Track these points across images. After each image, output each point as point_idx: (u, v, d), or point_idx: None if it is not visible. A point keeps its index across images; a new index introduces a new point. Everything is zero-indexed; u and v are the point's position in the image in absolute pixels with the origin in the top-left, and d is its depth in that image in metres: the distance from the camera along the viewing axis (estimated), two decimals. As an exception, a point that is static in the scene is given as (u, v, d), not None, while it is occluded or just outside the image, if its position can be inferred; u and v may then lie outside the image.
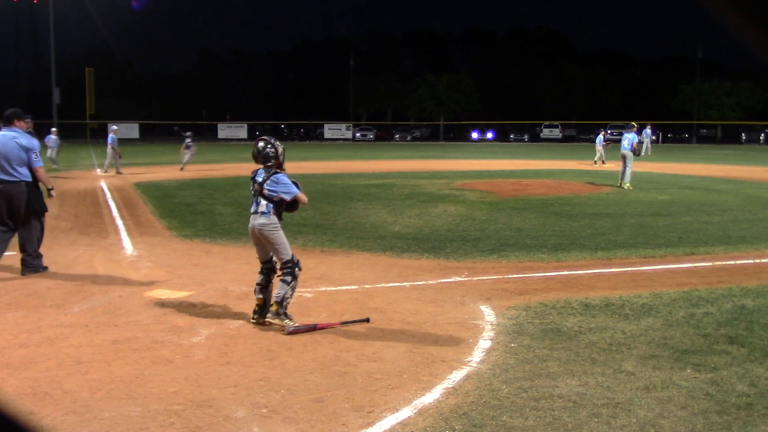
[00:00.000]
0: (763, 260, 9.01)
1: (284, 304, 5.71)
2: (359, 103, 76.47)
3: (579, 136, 65.48)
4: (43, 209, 8.24)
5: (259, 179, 5.88)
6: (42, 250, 8.23)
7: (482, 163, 30.06)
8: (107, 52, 75.57)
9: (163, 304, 6.53)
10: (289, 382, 4.54)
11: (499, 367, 4.83)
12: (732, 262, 8.77)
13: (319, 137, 68.22)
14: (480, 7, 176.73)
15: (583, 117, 69.89)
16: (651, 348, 5.26)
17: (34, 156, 7.97)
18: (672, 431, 3.83)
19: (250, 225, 5.91)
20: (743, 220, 12.49)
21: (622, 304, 6.51)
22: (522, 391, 4.36)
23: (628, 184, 18.15)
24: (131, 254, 9.27)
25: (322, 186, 18.20)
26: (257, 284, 5.98)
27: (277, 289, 5.79)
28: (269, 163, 5.91)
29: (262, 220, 5.78)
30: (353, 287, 7.28)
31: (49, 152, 23.76)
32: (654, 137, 37.04)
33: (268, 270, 6.02)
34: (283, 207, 5.91)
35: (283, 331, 5.54)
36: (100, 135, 23.98)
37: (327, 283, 7.43)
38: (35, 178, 8.04)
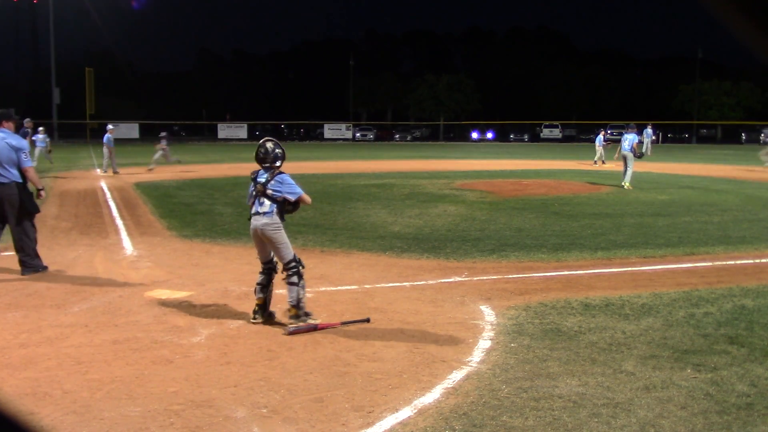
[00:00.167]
0: (763, 260, 9.01)
1: (301, 305, 5.69)
2: (359, 103, 76.46)
3: (579, 136, 65.46)
4: (35, 210, 8.16)
5: (262, 180, 5.85)
6: (42, 250, 8.23)
7: (482, 163, 30.06)
8: (107, 52, 75.53)
9: (163, 304, 6.53)
10: (289, 382, 4.54)
11: (499, 367, 4.83)
12: (732, 262, 8.77)
13: (319, 137, 68.20)
14: (480, 8, 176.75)
15: (583, 117, 69.88)
16: (651, 348, 5.26)
17: (23, 156, 7.93)
18: (672, 431, 3.83)
19: (252, 226, 5.88)
20: (743, 220, 12.49)
21: (622, 304, 6.51)
22: (522, 391, 4.36)
23: (627, 184, 18.16)
24: (131, 254, 9.26)
25: (322, 186, 18.20)
26: (258, 284, 5.98)
27: (289, 294, 5.73)
28: (276, 164, 5.89)
29: (265, 220, 5.77)
30: (353, 287, 7.28)
31: (37, 152, 23.58)
32: (654, 137, 37.03)
33: (269, 270, 6.01)
34: (285, 207, 5.90)
35: (284, 331, 5.53)
36: (100, 135, 23.84)
37: (327, 283, 7.43)
38: (25, 179, 7.98)
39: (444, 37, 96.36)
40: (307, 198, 6.00)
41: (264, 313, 5.96)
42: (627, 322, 5.93)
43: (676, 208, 14.29)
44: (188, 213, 13.26)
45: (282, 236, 5.82)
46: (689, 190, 18.06)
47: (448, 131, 72.00)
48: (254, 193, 5.88)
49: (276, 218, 5.79)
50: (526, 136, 66.57)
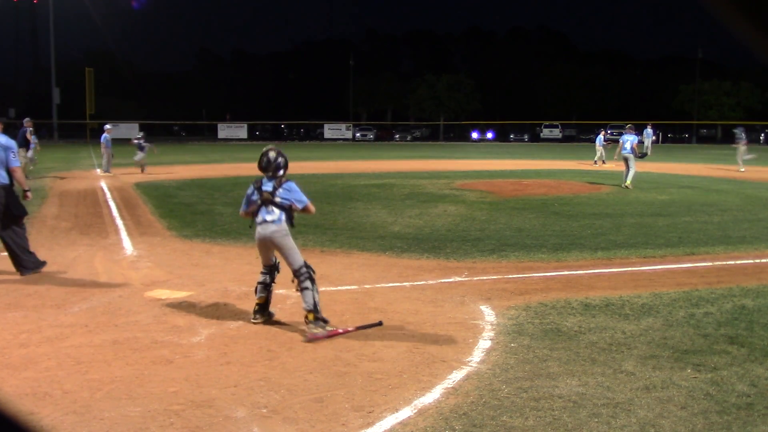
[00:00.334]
0: (763, 260, 9.01)
1: (318, 309, 5.64)
2: (359, 103, 76.44)
3: (579, 136, 65.44)
4: (22, 213, 7.97)
5: (269, 188, 5.82)
6: (42, 250, 8.24)
7: (482, 163, 30.06)
8: (107, 52, 75.57)
9: (163, 304, 6.53)
10: (289, 382, 4.54)
11: (499, 367, 4.83)
12: (732, 262, 8.77)
13: (319, 137, 68.19)
14: (480, 8, 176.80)
15: (583, 117, 69.85)
16: (651, 348, 5.26)
17: (12, 155, 7.79)
18: (672, 431, 3.83)
19: (259, 234, 5.80)
20: (743, 220, 12.49)
21: (622, 304, 6.51)
22: (522, 391, 4.36)
23: (628, 182, 18.16)
24: (131, 254, 9.26)
25: (322, 186, 18.19)
26: (259, 283, 5.97)
27: (304, 299, 5.67)
28: (279, 173, 5.88)
29: (273, 227, 5.74)
30: (353, 287, 7.28)
31: (31, 153, 23.19)
32: (654, 137, 37.04)
33: (270, 269, 6.02)
34: (293, 215, 5.89)
35: (304, 338, 5.43)
36: (100, 135, 23.70)
37: (327, 283, 7.42)
38: (11, 181, 7.82)
39: (444, 37, 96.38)
40: (312, 207, 6.01)
41: (264, 312, 5.96)
42: (627, 322, 5.93)
43: (676, 208, 14.29)
44: (188, 213, 13.26)
45: (291, 242, 5.81)
46: (689, 190, 18.06)
47: (448, 131, 71.98)
48: (258, 201, 5.82)
49: (284, 225, 5.79)
50: (526, 136, 66.54)
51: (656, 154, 34.93)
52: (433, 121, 72.06)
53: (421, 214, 13.09)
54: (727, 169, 25.79)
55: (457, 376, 4.67)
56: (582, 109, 73.06)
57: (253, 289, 6.04)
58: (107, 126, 23.83)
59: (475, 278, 7.70)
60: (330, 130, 68.32)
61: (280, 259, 5.99)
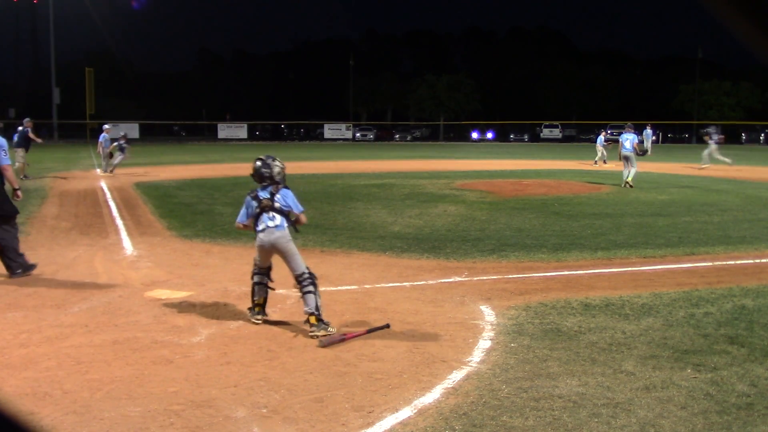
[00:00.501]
0: (763, 260, 9.01)
1: (320, 313, 5.65)
2: (359, 103, 76.42)
3: (579, 136, 65.42)
4: (13, 212, 7.85)
5: (266, 195, 5.85)
6: (42, 250, 8.24)
7: (482, 163, 30.06)
8: (107, 52, 75.50)
9: (163, 304, 6.53)
10: (289, 382, 4.54)
11: (499, 367, 4.83)
12: (732, 262, 8.77)
13: (319, 137, 68.18)
14: (480, 7, 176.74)
15: (583, 117, 69.84)
16: (651, 348, 5.26)
17: (3, 153, 7.72)
18: (672, 431, 3.83)
19: (262, 241, 5.81)
20: (743, 220, 12.49)
21: (622, 304, 6.51)
22: (522, 391, 4.36)
23: (629, 179, 18.17)
24: (131, 254, 9.26)
25: (322, 186, 18.19)
26: (256, 284, 5.98)
27: (306, 303, 5.68)
28: (264, 182, 5.94)
29: (278, 233, 5.77)
30: (353, 287, 7.28)
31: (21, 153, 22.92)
32: (654, 137, 37.05)
33: (267, 270, 6.03)
34: (292, 220, 5.92)
35: (318, 343, 5.36)
36: (99, 135, 23.61)
37: (327, 283, 7.42)
38: (2, 180, 7.75)
39: (444, 37, 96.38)
40: (304, 218, 6.04)
41: (264, 312, 5.97)
42: (627, 322, 5.93)
43: (676, 208, 14.29)
44: (188, 213, 13.26)
45: (293, 247, 5.86)
46: (689, 190, 18.06)
47: (448, 131, 71.96)
48: (257, 210, 5.84)
49: (287, 231, 5.84)
50: (526, 136, 66.51)
51: (656, 154, 34.92)
52: (433, 121, 72.05)
53: (421, 214, 13.09)
54: (690, 167, 26.05)
55: (457, 376, 4.68)
56: (582, 109, 73.04)
57: (250, 289, 6.04)
58: (106, 126, 23.79)
59: (475, 278, 7.70)
60: (330, 130, 68.31)
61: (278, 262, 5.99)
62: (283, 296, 6.67)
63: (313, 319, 5.62)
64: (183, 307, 6.42)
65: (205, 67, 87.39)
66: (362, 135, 67.02)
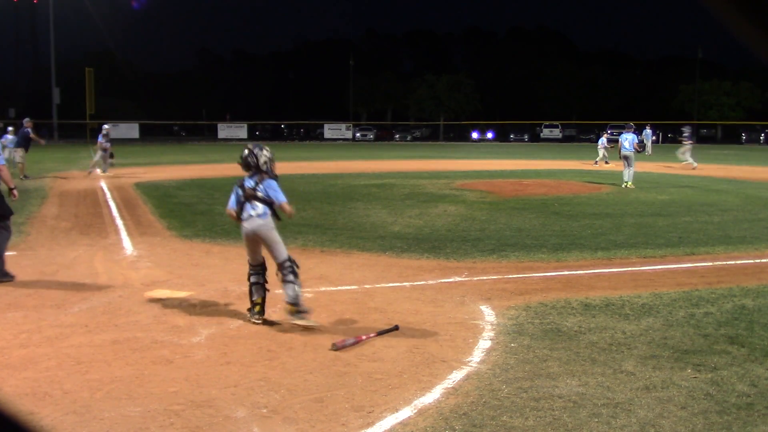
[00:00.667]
0: (763, 260, 9.01)
1: (299, 302, 5.80)
2: (359, 103, 76.42)
3: (579, 136, 65.44)
4: (8, 213, 7.74)
5: (250, 184, 5.99)
6: (42, 250, 8.23)
7: (482, 163, 30.06)
8: (107, 52, 75.51)
9: (163, 304, 6.53)
10: (289, 382, 4.54)
11: (499, 367, 4.83)
12: (732, 262, 8.77)
13: (319, 137, 68.17)
14: (480, 7, 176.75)
15: (583, 117, 69.84)
16: (651, 348, 5.26)
17: None
18: (672, 431, 3.83)
19: (245, 229, 5.96)
20: (743, 220, 12.49)
21: (622, 304, 6.51)
22: (522, 391, 4.36)
23: (630, 183, 18.21)
24: (131, 254, 9.26)
25: (322, 186, 18.19)
26: (253, 284, 6.02)
27: (286, 292, 5.81)
28: (250, 170, 6.06)
29: (260, 221, 5.88)
30: (353, 287, 7.28)
31: (7, 153, 22.48)
32: (654, 137, 37.06)
33: (261, 268, 6.08)
34: (275, 209, 6.01)
35: (331, 347, 5.26)
36: (98, 135, 23.52)
37: (327, 283, 7.43)
38: None
39: (444, 37, 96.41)
40: (288, 208, 6.04)
41: (263, 311, 5.98)
42: (627, 322, 5.93)
43: (676, 208, 14.29)
44: (188, 213, 13.26)
45: (276, 235, 5.94)
46: (689, 190, 18.06)
47: (448, 131, 71.94)
48: (242, 199, 5.98)
49: (270, 219, 5.92)
50: (526, 136, 66.48)
51: (656, 154, 34.92)
52: (433, 121, 72.04)
53: (421, 214, 13.09)
54: (670, 166, 26.33)
55: (457, 376, 4.68)
56: (582, 109, 73.04)
57: (248, 290, 6.05)
58: (105, 126, 23.78)
59: (475, 278, 7.70)
60: (330, 130, 68.31)
61: (265, 254, 6.06)
62: (284, 296, 6.67)
63: (292, 309, 5.77)
64: (183, 307, 6.42)
65: (205, 67, 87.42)
66: (362, 135, 67.01)
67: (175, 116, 69.79)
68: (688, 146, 27.41)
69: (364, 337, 5.46)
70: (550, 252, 9.22)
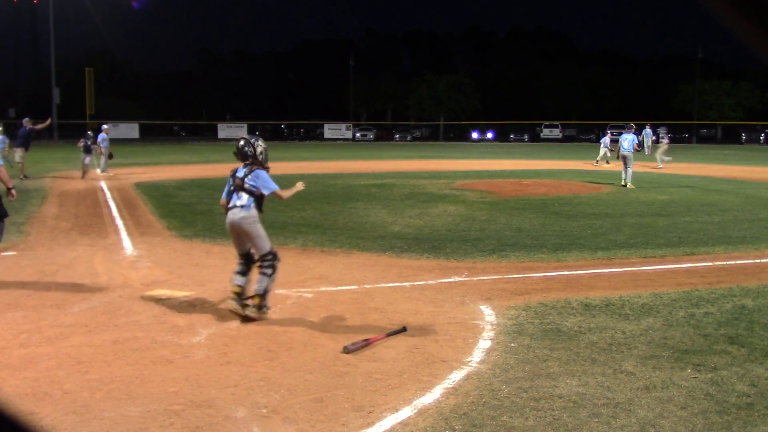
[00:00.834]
0: (763, 260, 9.01)
1: (267, 296, 5.88)
2: (359, 103, 76.42)
3: (579, 136, 65.44)
4: (3, 214, 7.68)
5: (240, 174, 6.11)
6: (42, 250, 8.22)
7: (482, 163, 30.06)
8: (107, 52, 75.52)
9: (163, 304, 6.53)
10: (289, 382, 4.54)
11: (499, 367, 4.83)
12: (732, 262, 8.77)
13: (319, 137, 68.17)
14: (480, 8, 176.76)
15: (583, 117, 69.82)
16: (651, 348, 5.26)
17: None
18: (672, 431, 3.83)
19: (228, 220, 6.05)
20: (743, 220, 12.50)
21: (622, 304, 6.51)
22: (522, 391, 4.36)
23: (630, 184, 18.22)
24: (131, 254, 9.26)
25: (322, 186, 18.19)
26: (236, 273, 6.11)
27: (257, 282, 5.92)
28: (247, 161, 6.16)
29: (242, 213, 5.97)
30: (353, 287, 7.27)
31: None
32: (654, 137, 37.08)
33: (246, 259, 6.16)
34: (262, 202, 6.10)
35: (343, 350, 5.18)
36: (98, 135, 23.45)
37: (327, 283, 7.43)
38: None
39: (444, 37, 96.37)
40: (282, 193, 6.18)
41: (240, 301, 6.01)
42: (627, 322, 5.93)
43: (676, 208, 14.29)
44: (188, 213, 13.26)
45: (258, 229, 6.01)
46: (689, 190, 18.07)
47: (448, 131, 71.92)
48: (232, 188, 6.10)
49: (253, 212, 5.99)
50: (526, 136, 66.46)
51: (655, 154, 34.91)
52: (433, 121, 72.03)
53: (421, 214, 13.09)
54: (648, 166, 26.41)
55: (457, 376, 4.67)
56: (582, 109, 73.01)
57: (230, 278, 6.15)
58: (104, 126, 23.77)
59: (475, 278, 7.70)
60: (330, 130, 68.30)
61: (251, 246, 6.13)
62: (284, 296, 6.68)
63: (256, 300, 5.83)
64: (183, 307, 6.42)
65: (205, 67, 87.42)
66: (362, 135, 67.01)
67: (175, 116, 69.80)
68: (665, 146, 27.90)
69: (375, 339, 5.43)
70: (550, 252, 9.22)
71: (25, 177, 20.21)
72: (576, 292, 7.02)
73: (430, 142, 64.29)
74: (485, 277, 7.73)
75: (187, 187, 18.34)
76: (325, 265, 8.33)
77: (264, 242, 6.00)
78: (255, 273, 6.08)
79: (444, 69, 76.93)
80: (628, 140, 18.75)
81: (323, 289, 7.16)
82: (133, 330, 5.69)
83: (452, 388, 4.46)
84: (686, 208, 14.12)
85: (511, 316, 6.11)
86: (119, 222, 12.16)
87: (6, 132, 22.57)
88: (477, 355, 5.10)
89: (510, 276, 7.83)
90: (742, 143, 60.28)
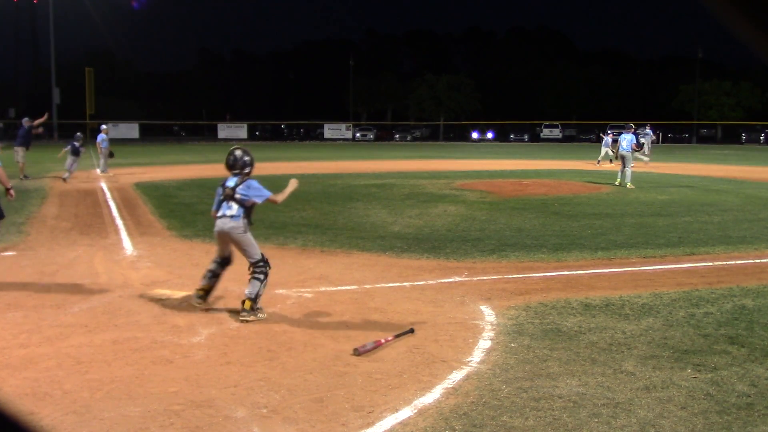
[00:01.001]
0: (763, 260, 9.01)
1: (258, 300, 5.92)
2: (359, 103, 76.42)
3: (579, 136, 65.44)
4: (0, 215, 7.71)
5: (231, 184, 6.12)
6: (42, 250, 8.21)
7: (482, 163, 30.06)
8: (107, 52, 75.54)
9: (163, 304, 6.53)
10: (289, 382, 4.54)
11: (499, 367, 4.83)
12: (732, 262, 8.77)
13: (319, 137, 68.18)
14: (480, 7, 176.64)
15: (583, 117, 69.83)
16: (651, 348, 5.26)
17: None
18: (672, 431, 3.83)
19: (217, 228, 6.12)
20: (743, 220, 12.50)
21: (622, 304, 6.51)
22: (522, 391, 4.36)
23: (629, 184, 18.23)
24: (131, 254, 9.26)
25: (322, 186, 18.20)
26: (209, 270, 6.23)
27: (250, 287, 5.95)
28: (245, 171, 6.17)
29: (232, 223, 6.02)
30: (353, 287, 7.27)
31: None
32: (654, 137, 37.09)
33: (223, 261, 6.27)
34: (252, 212, 6.15)
35: (353, 352, 5.16)
36: (97, 135, 23.48)
37: (327, 283, 7.43)
38: None
39: (444, 37, 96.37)
40: (277, 198, 6.24)
41: (206, 298, 6.18)
42: (627, 322, 5.93)
43: (676, 208, 14.29)
44: (188, 213, 13.25)
45: (248, 238, 6.07)
46: (689, 190, 18.07)
47: (448, 131, 71.93)
48: (221, 198, 6.13)
49: (242, 222, 6.03)
50: (526, 136, 66.48)
51: (656, 154, 34.91)
52: (433, 121, 72.04)
53: (421, 214, 13.09)
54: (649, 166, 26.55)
55: (457, 376, 4.67)
56: (582, 109, 73.03)
57: (204, 275, 6.24)
58: (104, 126, 23.78)
59: (475, 278, 7.70)
60: (330, 130, 68.31)
61: (236, 253, 6.23)
62: (284, 296, 6.68)
63: (247, 304, 5.86)
64: (183, 307, 6.42)
65: (205, 67, 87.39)
66: (362, 135, 67.01)
67: (175, 116, 69.83)
68: (650, 145, 28.29)
69: (383, 341, 5.39)
70: (550, 252, 9.22)
71: (25, 177, 20.21)
72: (576, 292, 7.02)
73: (430, 142, 64.29)
74: (485, 277, 7.73)
75: (187, 187, 18.34)
76: (325, 265, 8.33)
77: (254, 250, 6.06)
78: (225, 278, 6.25)
79: (444, 69, 76.97)
80: (626, 140, 18.77)
81: (323, 289, 7.16)
82: (133, 330, 5.69)
83: (452, 388, 4.46)
84: (686, 208, 14.12)
85: (511, 316, 6.11)
86: (119, 222, 12.16)
87: (6, 132, 22.51)
88: (477, 355, 5.10)
89: (510, 276, 7.83)
90: (742, 143, 60.30)
